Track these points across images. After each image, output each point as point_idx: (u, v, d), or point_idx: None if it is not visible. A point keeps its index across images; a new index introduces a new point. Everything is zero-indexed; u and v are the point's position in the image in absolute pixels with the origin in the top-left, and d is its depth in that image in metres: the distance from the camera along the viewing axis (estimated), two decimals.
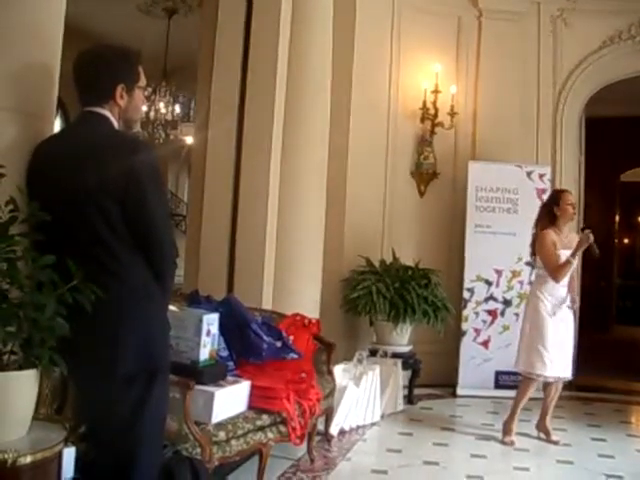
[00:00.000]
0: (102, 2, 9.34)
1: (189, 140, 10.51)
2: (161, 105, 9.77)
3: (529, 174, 7.29)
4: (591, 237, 5.35)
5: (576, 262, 5.48)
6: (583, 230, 5.47)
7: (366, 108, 7.13)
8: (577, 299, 5.75)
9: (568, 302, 5.57)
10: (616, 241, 14.85)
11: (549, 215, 5.59)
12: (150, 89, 9.72)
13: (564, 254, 5.43)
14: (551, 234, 5.50)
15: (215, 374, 3.88)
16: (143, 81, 2.79)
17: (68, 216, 2.50)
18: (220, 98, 5.88)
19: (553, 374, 5.51)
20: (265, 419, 4.00)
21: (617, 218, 14.54)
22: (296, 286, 5.72)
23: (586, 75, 7.94)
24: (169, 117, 9.85)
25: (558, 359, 5.45)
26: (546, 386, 5.70)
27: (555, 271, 5.45)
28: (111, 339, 2.49)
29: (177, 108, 10.12)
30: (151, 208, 2.54)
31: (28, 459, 2.06)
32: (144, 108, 9.51)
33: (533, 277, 6.00)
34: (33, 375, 2.21)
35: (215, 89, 5.92)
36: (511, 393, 5.96)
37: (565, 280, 5.51)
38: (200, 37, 6.69)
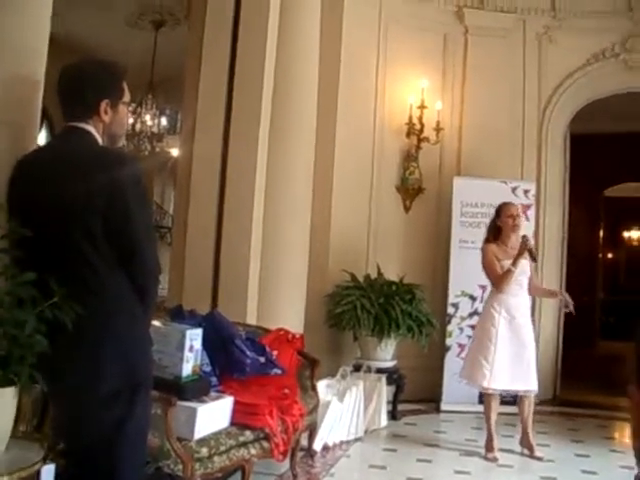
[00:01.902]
0: (89, 14, 9.33)
1: (175, 152, 10.49)
2: (147, 117, 9.76)
3: (514, 190, 7.33)
4: (529, 243, 5.51)
5: (519, 270, 5.53)
6: (523, 238, 5.54)
7: (352, 123, 7.15)
8: (562, 295, 5.84)
9: (524, 313, 5.64)
10: (600, 256, 14.93)
11: (494, 228, 5.74)
12: (137, 101, 9.70)
13: (508, 264, 5.53)
14: (491, 247, 5.66)
15: (198, 390, 3.86)
16: (127, 97, 2.78)
17: (50, 232, 2.48)
18: (206, 111, 5.87)
19: (494, 386, 5.54)
20: (248, 435, 3.97)
21: (601, 233, 14.63)
22: (280, 301, 5.71)
23: (571, 92, 8.01)
24: (155, 130, 9.84)
25: (503, 372, 5.49)
26: (519, 401, 5.73)
27: (496, 280, 5.60)
28: (93, 356, 2.46)
29: (163, 120, 10.11)
30: (134, 224, 2.53)
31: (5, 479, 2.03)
32: (130, 120, 9.51)
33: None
34: (11, 393, 2.19)
35: (201, 102, 5.91)
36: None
37: (515, 289, 5.58)
38: (187, 50, 6.69)
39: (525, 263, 5.57)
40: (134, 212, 2.53)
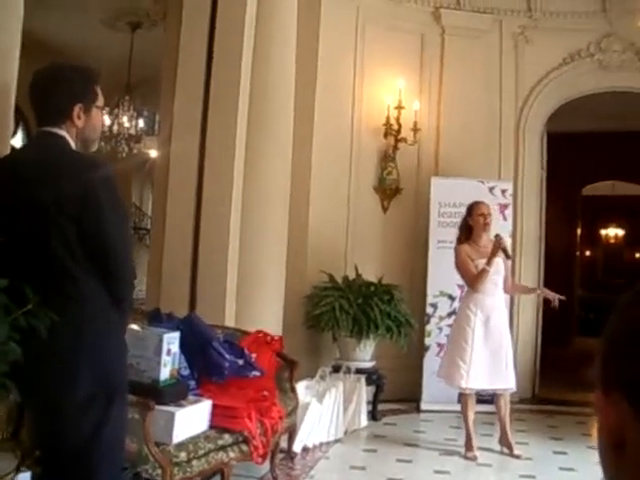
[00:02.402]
0: (64, 15, 9.26)
1: (153, 154, 10.44)
2: (125, 119, 9.71)
3: (491, 189, 7.36)
4: (502, 242, 5.54)
5: (494, 269, 5.55)
6: (496, 237, 5.57)
7: (329, 124, 7.15)
8: (537, 287, 5.91)
9: (500, 312, 5.67)
10: (578, 254, 15.05)
11: (466, 227, 5.75)
12: (114, 103, 9.64)
13: (482, 263, 5.53)
14: (464, 247, 5.67)
15: (176, 393, 3.85)
16: (101, 101, 2.77)
17: (24, 238, 2.47)
18: (183, 113, 5.85)
19: (472, 386, 5.57)
20: (227, 438, 3.97)
21: (579, 231, 14.74)
22: (259, 303, 5.69)
23: (547, 91, 8.06)
24: (132, 131, 9.79)
25: (480, 371, 5.51)
26: (495, 400, 5.76)
27: (471, 280, 5.63)
28: (68, 362, 2.46)
29: (141, 122, 10.06)
30: (108, 230, 2.52)
31: None
32: (107, 122, 9.45)
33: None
34: None
35: (178, 104, 5.89)
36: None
37: (490, 289, 5.60)
38: (163, 51, 6.66)
39: (499, 262, 5.59)
40: (108, 217, 2.52)
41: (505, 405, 5.68)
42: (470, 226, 5.71)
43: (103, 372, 2.50)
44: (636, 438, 0.68)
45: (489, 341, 5.56)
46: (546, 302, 6.47)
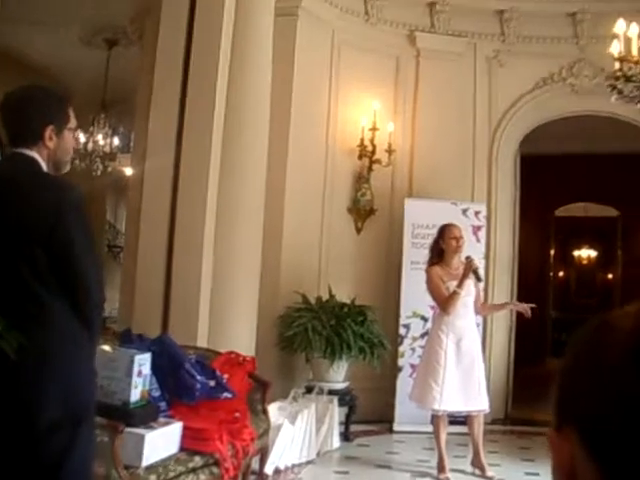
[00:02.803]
0: (41, 31, 9.24)
1: (128, 171, 10.40)
2: (99, 137, 9.67)
3: (464, 211, 7.40)
4: (474, 264, 5.55)
5: (465, 291, 5.58)
6: (467, 259, 5.61)
7: (304, 144, 7.17)
8: (508, 303, 5.96)
9: (471, 334, 5.70)
10: (552, 274, 15.18)
11: (437, 250, 5.76)
12: (89, 121, 9.61)
13: (453, 286, 5.56)
14: (436, 269, 5.68)
15: (146, 415, 3.83)
16: (73, 123, 2.77)
17: None
18: (157, 131, 5.86)
19: (444, 408, 5.57)
20: (197, 460, 3.94)
21: (552, 252, 14.88)
22: (232, 323, 5.68)
23: (520, 114, 8.15)
24: (107, 149, 9.76)
25: (453, 393, 5.52)
26: (468, 421, 5.77)
27: (444, 303, 5.61)
28: (34, 386, 2.43)
29: (116, 140, 10.02)
30: (77, 253, 2.51)
31: None
32: (82, 140, 9.41)
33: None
34: None
35: (153, 122, 5.89)
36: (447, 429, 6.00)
37: (462, 311, 5.62)
38: (139, 70, 6.68)
39: (470, 283, 5.61)
40: (77, 240, 2.51)
41: (478, 427, 5.69)
42: (442, 248, 5.72)
43: (71, 397, 2.48)
44: (586, 475, 0.69)
45: (461, 362, 5.58)
46: (520, 316, 6.52)
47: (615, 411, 0.67)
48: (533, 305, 5.73)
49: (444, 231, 5.77)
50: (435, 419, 5.69)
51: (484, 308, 6.01)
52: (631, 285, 12.05)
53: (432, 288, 5.69)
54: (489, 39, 8.05)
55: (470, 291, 5.64)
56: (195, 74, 5.76)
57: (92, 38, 9.81)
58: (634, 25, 4.28)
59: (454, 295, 5.53)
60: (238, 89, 5.87)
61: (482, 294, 6.16)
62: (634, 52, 4.27)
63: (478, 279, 5.64)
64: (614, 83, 4.39)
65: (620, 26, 4.31)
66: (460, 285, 5.51)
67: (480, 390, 5.62)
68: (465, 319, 5.65)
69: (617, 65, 4.34)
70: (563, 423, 0.73)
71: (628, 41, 4.30)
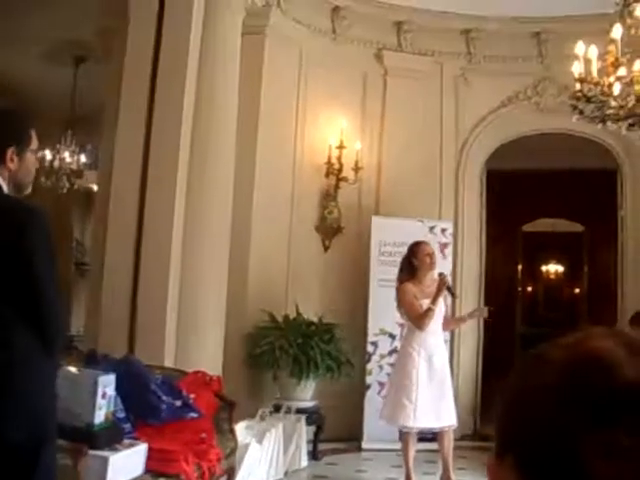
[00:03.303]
0: (5, 47, 9.17)
1: (96, 188, 10.33)
2: (66, 154, 9.60)
3: (431, 229, 7.45)
4: (447, 280, 5.61)
5: (437, 307, 5.60)
6: (440, 275, 5.64)
7: (271, 163, 7.17)
8: (467, 314, 6.01)
9: (441, 350, 5.72)
10: (520, 289, 15.28)
11: (409, 267, 5.77)
12: (55, 138, 9.54)
13: (426, 303, 5.58)
14: (409, 286, 5.69)
15: (111, 437, 3.78)
16: (35, 144, 2.75)
17: None
18: (124, 149, 5.83)
19: (417, 425, 5.59)
20: None
21: (520, 267, 14.99)
22: (199, 343, 5.65)
23: (486, 132, 8.24)
24: (74, 166, 9.69)
25: (427, 410, 5.53)
26: (439, 438, 5.77)
27: (418, 320, 5.62)
28: None
29: (83, 157, 9.95)
30: (39, 274, 2.49)
31: None
32: (48, 157, 9.34)
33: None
34: None
35: (119, 139, 5.87)
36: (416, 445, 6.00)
37: (433, 327, 5.64)
38: (106, 86, 6.65)
39: (441, 300, 5.64)
40: (39, 262, 2.50)
41: (449, 442, 5.69)
42: (414, 266, 5.73)
43: (31, 420, 2.45)
44: None
45: (433, 379, 5.59)
46: (487, 331, 6.54)
47: (544, 439, 0.68)
48: (490, 308, 5.77)
49: (417, 249, 5.79)
50: (405, 436, 5.68)
51: (448, 324, 6.01)
52: (596, 299, 12.20)
53: (406, 305, 5.68)
54: (455, 58, 8.14)
55: (441, 307, 5.67)
56: (162, 91, 5.75)
57: (59, 55, 9.75)
58: (593, 47, 4.36)
59: (428, 312, 5.54)
60: (205, 107, 5.87)
61: (449, 311, 6.18)
62: (594, 73, 4.34)
63: (453, 295, 5.67)
64: (575, 104, 4.46)
65: (580, 48, 4.39)
66: (434, 302, 5.53)
67: (450, 405, 5.65)
68: (435, 335, 5.67)
69: (578, 86, 4.41)
70: (502, 452, 0.75)
71: (588, 62, 4.37)
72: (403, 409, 5.53)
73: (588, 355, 0.71)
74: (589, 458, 0.66)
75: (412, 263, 5.75)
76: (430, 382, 5.56)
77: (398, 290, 5.78)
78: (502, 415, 0.77)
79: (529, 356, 0.78)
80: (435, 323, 5.64)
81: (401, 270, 5.84)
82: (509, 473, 0.73)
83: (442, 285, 5.54)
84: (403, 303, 5.72)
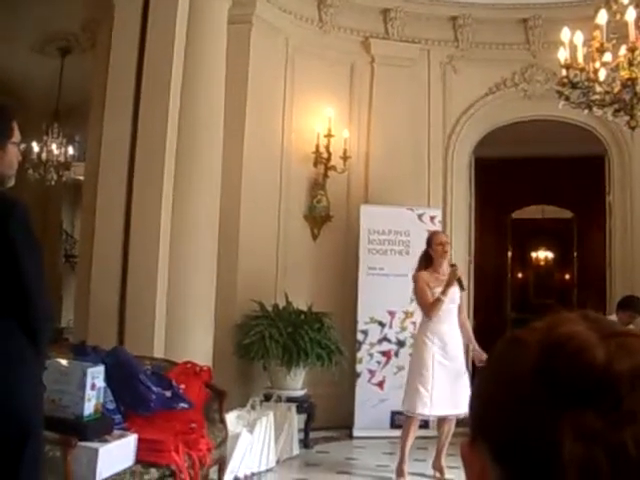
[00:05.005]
0: None
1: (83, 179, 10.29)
2: (53, 146, 9.56)
3: (420, 216, 7.46)
4: (457, 272, 5.60)
5: (449, 297, 5.59)
6: (452, 267, 5.67)
7: (259, 152, 7.15)
8: (472, 341, 5.94)
9: (456, 340, 5.71)
10: (510, 276, 15.32)
11: (425, 256, 5.84)
12: (42, 130, 9.49)
13: (439, 292, 5.61)
14: (422, 274, 5.74)
15: (100, 429, 3.78)
16: (17, 137, 2.74)
17: None
18: (111, 140, 5.82)
19: (434, 413, 5.62)
20: (153, 473, 3.90)
21: (510, 254, 15.01)
22: (188, 333, 5.66)
23: (474, 119, 8.24)
24: (62, 158, 9.64)
25: (442, 398, 5.54)
26: (440, 424, 5.79)
27: (426, 308, 5.66)
28: None
29: (70, 149, 9.91)
30: (24, 270, 2.49)
31: None
32: (36, 149, 9.30)
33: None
34: None
35: (106, 131, 5.85)
36: None
37: (447, 316, 5.64)
38: (92, 79, 6.62)
39: (454, 291, 5.63)
40: (23, 254, 2.49)
41: (449, 429, 5.70)
42: (430, 256, 5.79)
43: (14, 415, 2.45)
44: None
45: (448, 367, 5.60)
46: (478, 317, 6.50)
47: (516, 422, 0.69)
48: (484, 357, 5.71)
49: (432, 238, 5.88)
50: (409, 420, 5.65)
51: (462, 325, 5.91)
52: (586, 284, 12.25)
53: (418, 293, 5.74)
54: (443, 45, 8.13)
55: (454, 298, 5.67)
56: (148, 82, 5.74)
57: (44, 46, 9.69)
58: (579, 33, 4.36)
59: (437, 302, 5.57)
60: (192, 96, 5.86)
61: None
62: (580, 59, 4.34)
63: (462, 288, 5.67)
64: (561, 90, 4.46)
65: (565, 34, 4.39)
66: (444, 292, 5.56)
67: (467, 392, 5.64)
68: (449, 324, 5.67)
69: (564, 72, 4.42)
70: (475, 435, 0.75)
71: (574, 48, 4.37)
72: (420, 397, 5.54)
73: (560, 338, 0.72)
74: (560, 440, 0.66)
75: (428, 252, 5.81)
76: (445, 369, 5.58)
77: (413, 278, 5.83)
78: (475, 398, 0.77)
79: (504, 340, 0.78)
80: (447, 312, 5.65)
81: (419, 260, 5.89)
82: (481, 456, 0.73)
83: (453, 277, 5.55)
84: (415, 291, 5.78)
